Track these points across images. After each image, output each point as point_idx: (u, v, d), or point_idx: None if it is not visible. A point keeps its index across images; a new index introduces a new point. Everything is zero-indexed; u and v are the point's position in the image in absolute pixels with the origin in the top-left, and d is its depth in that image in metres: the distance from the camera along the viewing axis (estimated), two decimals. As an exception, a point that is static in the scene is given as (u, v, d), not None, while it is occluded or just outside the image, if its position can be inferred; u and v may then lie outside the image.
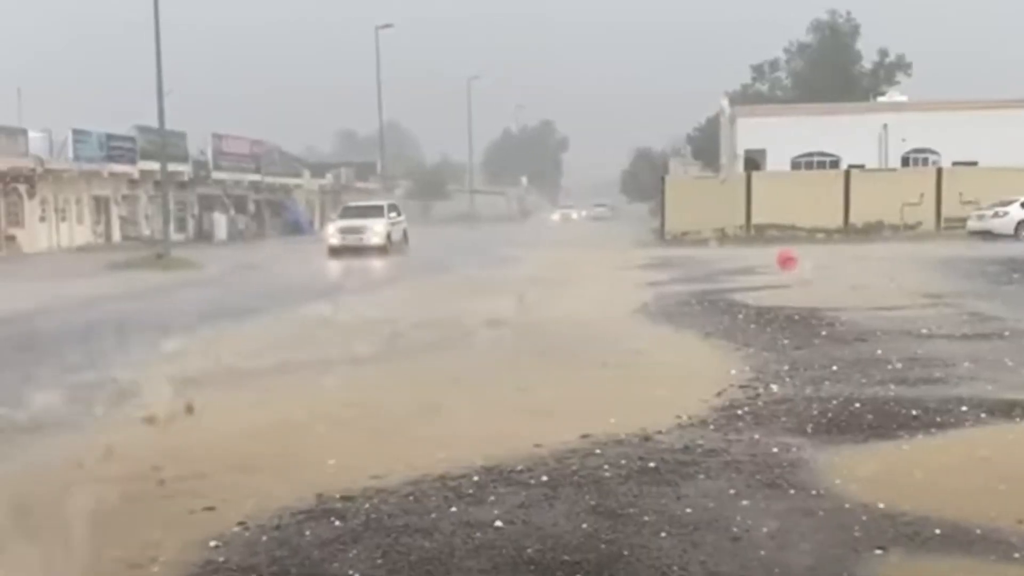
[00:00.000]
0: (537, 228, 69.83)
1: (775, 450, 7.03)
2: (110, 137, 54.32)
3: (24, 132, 49.41)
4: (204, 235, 60.48)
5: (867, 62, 78.61)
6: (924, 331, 12.68)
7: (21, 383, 10.32)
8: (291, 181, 75.70)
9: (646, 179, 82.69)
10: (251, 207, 69.43)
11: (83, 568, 5.26)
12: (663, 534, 5.37)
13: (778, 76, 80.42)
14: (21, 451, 7.64)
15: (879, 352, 11.13)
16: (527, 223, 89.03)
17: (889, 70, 78.46)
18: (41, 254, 44.33)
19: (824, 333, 12.84)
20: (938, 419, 7.86)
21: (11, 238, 46.13)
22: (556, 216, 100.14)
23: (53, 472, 7.00)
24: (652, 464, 6.73)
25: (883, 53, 78.71)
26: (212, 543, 5.43)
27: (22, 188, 47.39)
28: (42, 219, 48.99)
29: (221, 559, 5.21)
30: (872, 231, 42.36)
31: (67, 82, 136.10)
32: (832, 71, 74.59)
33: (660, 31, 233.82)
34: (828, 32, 77.93)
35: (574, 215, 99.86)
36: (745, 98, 72.92)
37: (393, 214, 40.69)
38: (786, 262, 23.85)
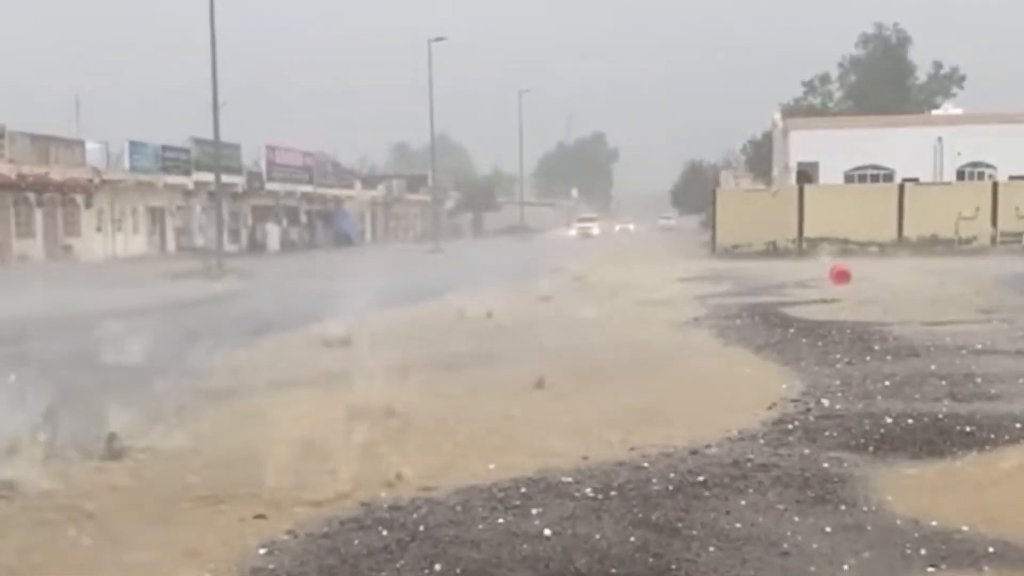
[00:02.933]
0: (549, 246, 58.46)
1: (826, 465, 6.97)
2: (165, 148, 55.11)
3: (81, 143, 50.23)
4: (257, 246, 61.06)
5: (921, 74, 78.05)
6: (979, 347, 12.52)
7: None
8: (343, 192, 76.27)
9: (697, 192, 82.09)
10: (303, 218, 70.03)
11: (132, 574, 5.32)
12: (711, 548, 5.34)
13: (830, 89, 79.99)
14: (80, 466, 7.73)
15: (932, 367, 11.01)
16: (534, 239, 74.89)
17: (943, 82, 77.86)
18: (97, 264, 44.93)
19: (877, 348, 12.72)
20: (992, 436, 7.76)
21: (68, 247, 46.84)
22: (572, 231, 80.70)
23: (106, 477, 7.08)
24: (701, 478, 6.69)
25: (937, 65, 78.16)
26: (261, 550, 5.48)
27: (79, 198, 48.13)
28: (98, 229, 49.71)
29: (271, 566, 5.25)
30: (926, 245, 41.84)
31: (123, 93, 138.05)
32: (885, 84, 74.13)
33: (715, 45, 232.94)
34: (878, 45, 77.46)
35: (595, 230, 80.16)
36: (799, 111, 72.58)
37: None
38: (839, 276, 23.66)
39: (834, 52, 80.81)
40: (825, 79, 79.60)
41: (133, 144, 52.89)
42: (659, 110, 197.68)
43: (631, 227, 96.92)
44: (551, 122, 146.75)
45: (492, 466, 7.07)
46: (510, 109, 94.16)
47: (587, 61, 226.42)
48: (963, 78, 77.82)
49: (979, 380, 10.19)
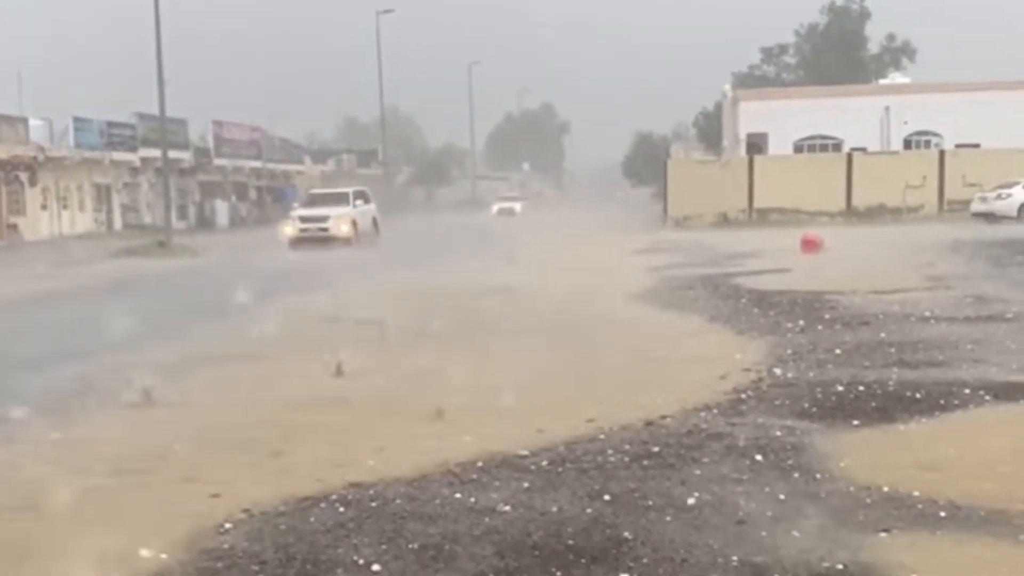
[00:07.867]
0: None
1: (779, 434, 7.03)
2: (111, 125, 54.28)
3: (25, 120, 49.36)
4: (205, 222, 60.46)
5: (874, 46, 78.62)
6: (927, 314, 12.67)
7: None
8: (292, 168, 75.67)
9: (648, 164, 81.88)
10: (252, 194, 69.45)
11: (89, 557, 5.26)
12: (667, 518, 5.37)
13: (785, 59, 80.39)
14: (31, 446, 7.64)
15: (882, 335, 11.13)
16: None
17: (895, 55, 78.48)
18: (43, 242, 44.28)
19: (827, 317, 12.83)
20: (942, 402, 7.86)
21: (12, 226, 46.10)
22: (287, 230, 36.47)
23: (53, 459, 7.01)
24: (656, 449, 6.73)
25: (890, 38, 78.74)
26: (217, 530, 5.43)
27: (23, 176, 47.32)
28: (43, 207, 48.94)
29: (226, 545, 5.21)
30: (875, 214, 42.27)
31: (67, 69, 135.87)
32: (839, 55, 74.55)
33: (668, 15, 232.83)
34: (838, 15, 77.92)
35: (343, 228, 36.85)
36: (751, 80, 72.86)
37: None
38: (808, 245, 23.96)
39: (790, 24, 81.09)
40: (784, 48, 79.94)
41: (77, 120, 52.05)
42: (610, 82, 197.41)
43: (517, 207, 67.54)
44: (503, 95, 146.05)
45: (447, 441, 7.07)
46: (461, 82, 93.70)
47: (537, 32, 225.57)
48: (915, 51, 78.50)
49: (927, 347, 10.32)
